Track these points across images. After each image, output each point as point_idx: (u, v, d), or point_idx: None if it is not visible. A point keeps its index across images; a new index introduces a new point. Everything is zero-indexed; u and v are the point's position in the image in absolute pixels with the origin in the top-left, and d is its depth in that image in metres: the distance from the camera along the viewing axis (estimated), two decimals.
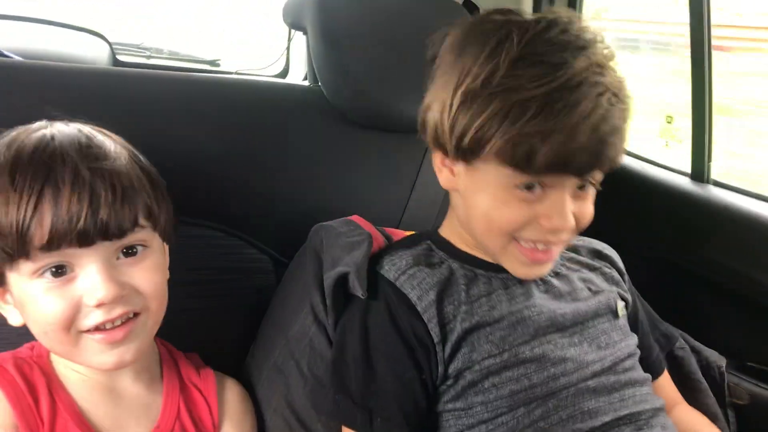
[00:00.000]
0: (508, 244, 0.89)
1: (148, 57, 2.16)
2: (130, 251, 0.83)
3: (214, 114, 1.18)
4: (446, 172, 0.93)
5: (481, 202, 0.89)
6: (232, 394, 0.98)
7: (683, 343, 1.19)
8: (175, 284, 0.92)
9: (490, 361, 0.88)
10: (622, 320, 1.01)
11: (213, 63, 2.26)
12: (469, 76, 0.84)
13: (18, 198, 0.77)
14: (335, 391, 0.90)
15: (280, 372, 1.00)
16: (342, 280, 0.94)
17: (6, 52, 1.35)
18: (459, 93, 0.85)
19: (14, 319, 0.85)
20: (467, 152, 0.86)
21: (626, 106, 0.86)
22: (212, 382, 0.97)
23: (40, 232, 0.76)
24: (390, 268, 0.94)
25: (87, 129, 0.86)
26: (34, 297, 0.80)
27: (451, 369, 0.89)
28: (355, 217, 1.08)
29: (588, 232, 1.45)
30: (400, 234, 1.10)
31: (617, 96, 0.84)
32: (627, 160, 1.52)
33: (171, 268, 0.93)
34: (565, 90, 0.81)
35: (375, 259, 0.96)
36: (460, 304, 0.91)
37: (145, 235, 0.84)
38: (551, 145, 0.80)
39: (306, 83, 1.44)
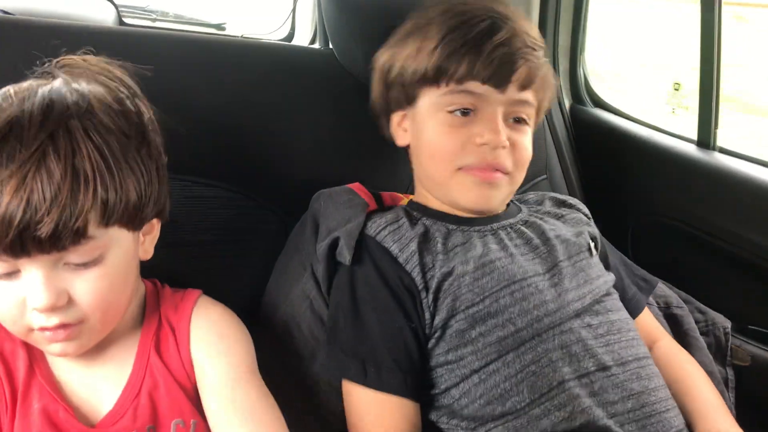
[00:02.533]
0: (455, 174, 0.99)
1: (154, 20, 2.14)
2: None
3: (225, 75, 1.18)
4: (400, 131, 1.07)
5: (425, 137, 1.01)
6: (208, 317, 0.92)
7: (681, 302, 1.21)
8: (189, 243, 0.93)
9: (473, 309, 0.92)
10: (596, 258, 1.05)
11: (219, 27, 2.25)
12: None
13: None
14: (329, 346, 0.95)
15: (282, 333, 1.03)
16: (333, 247, 0.98)
17: (8, 10, 1.34)
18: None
19: None
20: (420, 87, 1.00)
21: (537, 51, 1.01)
22: (186, 313, 0.91)
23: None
24: (371, 226, 1.00)
25: (71, 86, 0.79)
26: None
27: (437, 319, 0.93)
28: (356, 185, 1.10)
29: (594, 197, 1.48)
30: (397, 198, 1.13)
31: (530, 42, 1.00)
32: (634, 127, 1.53)
33: (184, 227, 0.93)
34: (473, 25, 0.98)
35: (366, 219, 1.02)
36: (437, 253, 0.96)
37: (97, 243, 0.77)
38: (467, 58, 0.96)
39: (315, 46, 1.43)
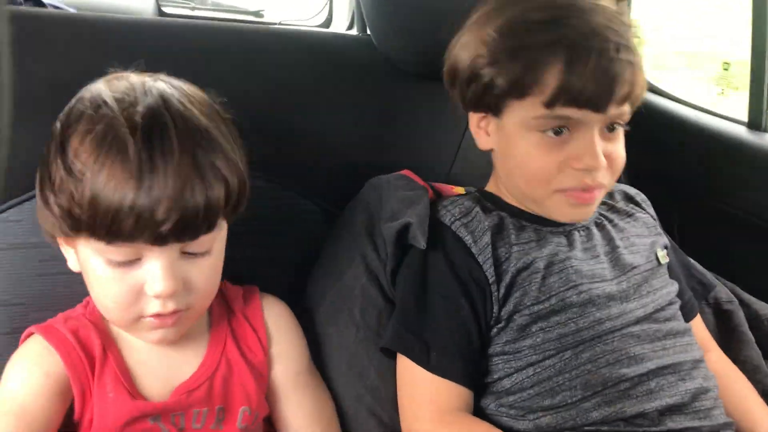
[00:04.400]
0: (552, 195, 0.94)
1: (192, 8, 2.16)
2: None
3: (263, 64, 1.18)
4: (482, 133, 1.00)
5: (516, 153, 0.95)
6: (278, 313, 0.98)
7: (731, 296, 1.19)
8: (230, 235, 0.93)
9: (539, 306, 0.92)
10: (664, 268, 1.04)
11: (256, 14, 2.26)
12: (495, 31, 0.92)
13: (121, 176, 0.75)
14: (397, 324, 0.95)
15: (332, 319, 1.02)
16: (402, 231, 0.97)
17: (57, 4, 1.36)
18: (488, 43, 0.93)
19: (73, 264, 0.86)
20: (497, 99, 0.93)
21: (633, 50, 0.91)
22: (257, 306, 0.97)
23: (127, 223, 0.75)
24: (446, 214, 0.98)
25: (181, 91, 0.83)
26: (97, 277, 0.81)
27: (504, 311, 0.93)
28: (407, 172, 1.10)
29: (642, 180, 1.44)
30: (448, 189, 1.12)
31: (625, 44, 0.89)
32: (680, 109, 1.49)
33: None
34: (576, 35, 0.88)
35: (432, 207, 1.01)
36: (511, 246, 0.95)
37: (216, 233, 0.83)
38: (563, 76, 0.87)
39: (352, 32, 1.42)
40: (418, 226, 0.96)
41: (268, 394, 0.96)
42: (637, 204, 1.12)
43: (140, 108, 0.78)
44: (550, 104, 0.89)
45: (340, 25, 2.08)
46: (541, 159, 0.92)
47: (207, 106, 0.84)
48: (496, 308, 0.93)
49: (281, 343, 0.96)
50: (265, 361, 0.95)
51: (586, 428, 0.87)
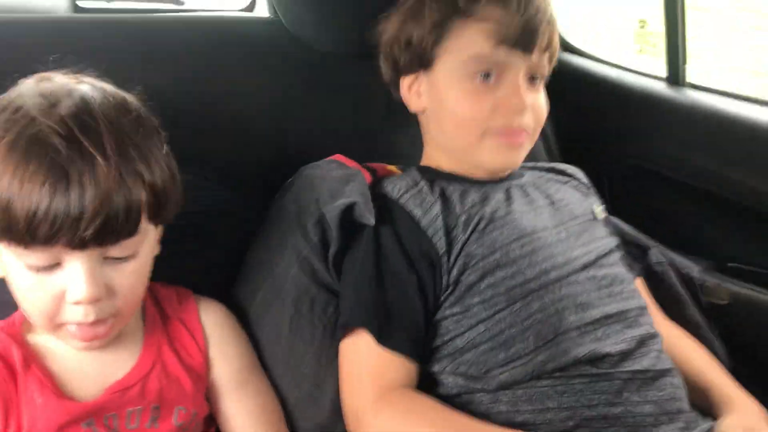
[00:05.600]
0: (482, 137, 0.99)
1: (110, 0, 2.08)
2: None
3: (178, 55, 1.15)
4: (414, 96, 1.06)
5: (447, 102, 1.01)
6: (215, 315, 0.98)
7: (660, 257, 1.20)
8: None
9: (484, 262, 0.94)
10: (601, 222, 1.08)
11: (177, 1, 2.18)
12: None
13: (35, 182, 0.73)
14: (353, 297, 0.95)
15: (266, 310, 1.01)
16: (346, 212, 0.97)
17: None
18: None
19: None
20: (432, 49, 1.00)
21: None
22: (193, 309, 0.96)
23: (43, 228, 0.73)
24: (392, 189, 1.00)
25: (99, 91, 0.81)
26: (19, 283, 0.80)
27: (451, 277, 0.95)
28: (337, 156, 1.09)
29: (568, 147, 1.45)
30: (382, 167, 1.12)
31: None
32: (604, 69, 1.50)
33: None
34: None
35: (372, 186, 1.02)
36: (458, 215, 0.97)
37: (140, 237, 0.81)
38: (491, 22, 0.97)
39: (264, 15, 1.39)
40: (363, 203, 0.96)
41: (209, 393, 0.95)
42: (570, 175, 1.16)
43: (59, 111, 0.76)
44: (493, 45, 0.97)
45: (263, 10, 2.03)
46: (472, 104, 0.99)
47: (130, 110, 0.82)
48: (446, 278, 0.94)
49: (220, 345, 0.96)
50: (204, 363, 0.94)
51: (542, 378, 0.89)
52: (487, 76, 0.98)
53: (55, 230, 0.73)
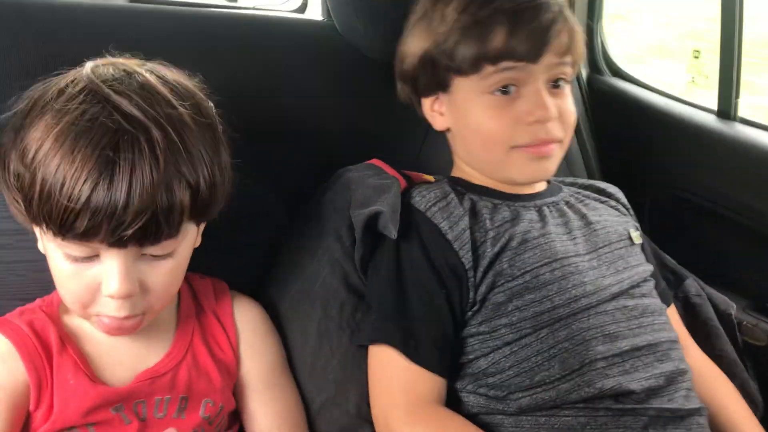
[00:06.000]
0: (509, 153, 0.97)
1: None
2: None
3: (227, 52, 1.15)
4: (437, 116, 1.04)
5: (470, 122, 0.99)
6: (249, 313, 0.98)
7: (699, 290, 1.19)
8: None
9: (513, 284, 0.92)
10: (638, 248, 1.05)
11: None
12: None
13: (80, 173, 0.72)
14: (376, 315, 0.94)
15: (295, 310, 1.01)
16: (372, 219, 0.96)
17: None
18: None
19: (40, 247, 0.84)
20: (446, 75, 0.98)
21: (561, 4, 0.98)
22: (228, 305, 0.96)
23: (80, 221, 0.73)
24: (420, 200, 0.98)
25: (168, 85, 0.80)
26: (57, 269, 0.80)
27: (479, 293, 0.93)
28: (375, 161, 1.09)
29: (611, 171, 1.44)
30: (419, 177, 1.11)
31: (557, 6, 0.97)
32: (653, 97, 1.48)
33: None
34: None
35: (403, 194, 1.00)
36: (487, 230, 0.95)
37: (181, 235, 0.80)
38: (500, 33, 0.93)
39: (321, 18, 1.40)
40: (390, 214, 0.95)
41: (237, 390, 0.95)
42: (609, 195, 1.13)
43: (114, 101, 0.75)
44: (495, 61, 0.94)
45: (315, 11, 2.04)
46: (494, 119, 0.96)
47: (191, 105, 0.80)
48: (472, 294, 0.93)
49: (252, 343, 0.96)
50: (234, 360, 0.94)
51: (565, 407, 0.88)
52: (506, 90, 0.96)
53: (93, 227, 0.73)
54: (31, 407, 0.82)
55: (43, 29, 1.04)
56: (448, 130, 1.05)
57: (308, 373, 0.98)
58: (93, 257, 0.78)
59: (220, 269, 1.01)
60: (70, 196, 0.72)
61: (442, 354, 0.92)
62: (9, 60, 0.98)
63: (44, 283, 0.86)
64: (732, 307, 1.19)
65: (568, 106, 1.00)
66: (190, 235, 0.84)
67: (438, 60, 0.98)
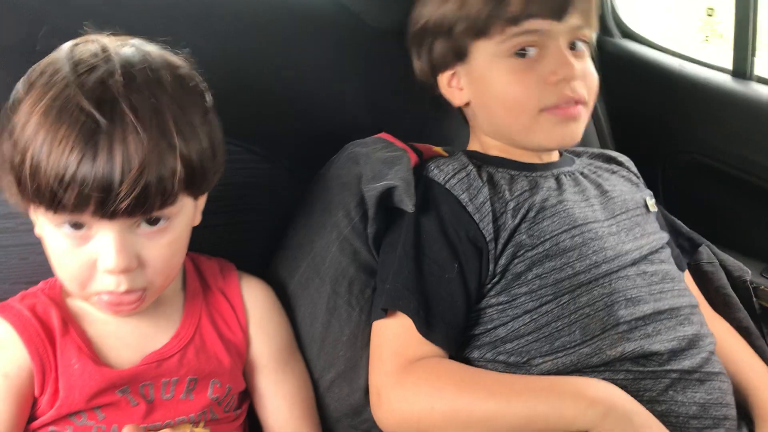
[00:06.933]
0: (537, 117, 0.96)
1: None
2: (152, 220, 0.79)
3: (226, 26, 1.13)
4: (455, 91, 1.03)
5: (493, 89, 0.97)
6: (258, 293, 0.97)
7: (712, 257, 1.18)
8: None
9: (533, 252, 0.92)
10: (653, 216, 1.05)
11: None
12: None
13: (63, 147, 0.72)
14: (392, 283, 0.92)
15: (305, 288, 1.01)
16: (386, 194, 0.95)
17: None
18: None
19: (38, 230, 0.84)
20: (464, 41, 0.97)
21: None
22: (236, 285, 0.95)
23: (69, 195, 0.73)
24: (439, 173, 0.97)
25: (152, 57, 0.80)
26: (54, 247, 0.80)
27: (499, 265, 0.92)
28: (384, 134, 1.08)
29: (624, 136, 1.41)
30: (428, 149, 1.10)
31: None
32: (665, 58, 1.45)
33: None
34: None
35: (418, 168, 1.00)
36: (507, 201, 0.95)
37: (175, 207, 0.80)
38: None
39: None
40: (404, 188, 0.93)
41: (246, 370, 0.95)
42: (620, 164, 1.13)
43: (97, 75, 0.75)
44: (517, 21, 0.93)
45: None
46: (519, 83, 0.95)
47: (174, 74, 0.80)
48: (492, 266, 0.92)
49: (261, 323, 0.95)
50: (244, 340, 0.94)
51: (586, 370, 0.87)
52: (524, 52, 0.95)
53: (82, 198, 0.72)
54: (37, 393, 0.82)
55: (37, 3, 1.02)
56: (467, 105, 1.03)
57: (317, 350, 0.97)
58: (87, 234, 0.77)
59: (226, 248, 1.00)
60: (57, 169, 0.72)
61: (450, 329, 0.91)
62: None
63: (48, 266, 0.85)
64: (747, 272, 1.18)
65: (589, 67, 0.99)
66: (187, 210, 0.83)
67: (455, 23, 0.97)
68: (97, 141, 0.72)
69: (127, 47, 0.80)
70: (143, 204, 0.74)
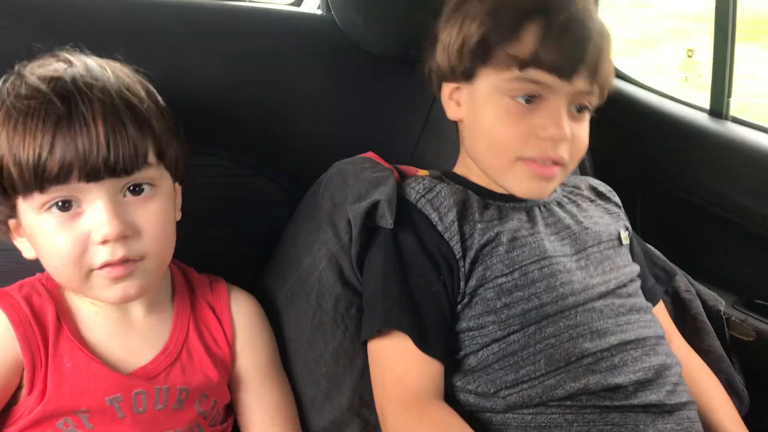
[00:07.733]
0: (513, 163, 0.95)
1: None
2: (137, 189, 0.83)
3: (226, 43, 1.16)
4: (453, 104, 1.02)
5: (483, 121, 0.97)
6: (246, 307, 0.99)
7: (689, 286, 1.20)
8: (189, 213, 0.93)
9: (502, 280, 0.93)
10: (625, 248, 1.05)
11: None
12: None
13: (35, 130, 0.77)
14: (382, 302, 0.93)
15: (291, 302, 1.02)
16: (370, 212, 0.97)
17: None
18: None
19: (27, 252, 0.86)
20: (472, 62, 0.96)
21: (601, 23, 0.95)
22: (224, 299, 0.97)
23: (51, 165, 0.77)
24: (410, 192, 0.99)
25: (98, 61, 0.86)
26: (44, 232, 0.81)
27: (469, 286, 0.94)
28: (370, 154, 1.09)
29: (604, 166, 1.45)
30: (413, 171, 1.11)
31: (594, 16, 0.94)
32: (645, 95, 1.50)
33: (184, 198, 0.94)
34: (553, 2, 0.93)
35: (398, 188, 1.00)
36: (475, 223, 0.96)
37: (153, 173, 0.84)
38: (538, 39, 0.90)
39: (319, 12, 1.40)
40: (386, 205, 0.95)
41: (231, 384, 0.96)
42: (601, 194, 1.13)
43: (60, 75, 0.81)
44: (523, 66, 0.91)
45: (312, 3, 2.04)
46: (509, 125, 0.94)
47: (132, 80, 0.87)
48: (462, 284, 0.94)
49: (248, 337, 0.97)
50: (230, 354, 0.95)
51: (551, 404, 0.88)
52: (529, 99, 0.93)
53: (65, 164, 0.77)
54: (26, 391, 0.83)
55: (40, 19, 1.04)
56: (460, 121, 1.03)
57: (301, 366, 0.99)
58: (78, 212, 0.80)
59: (216, 262, 1.02)
60: (35, 147, 0.77)
61: (443, 339, 0.92)
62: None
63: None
64: (720, 303, 1.20)
65: (583, 133, 0.98)
66: (166, 184, 0.87)
67: (465, 48, 0.96)
68: (68, 119, 0.78)
69: (90, 60, 0.86)
70: (123, 160, 0.79)
